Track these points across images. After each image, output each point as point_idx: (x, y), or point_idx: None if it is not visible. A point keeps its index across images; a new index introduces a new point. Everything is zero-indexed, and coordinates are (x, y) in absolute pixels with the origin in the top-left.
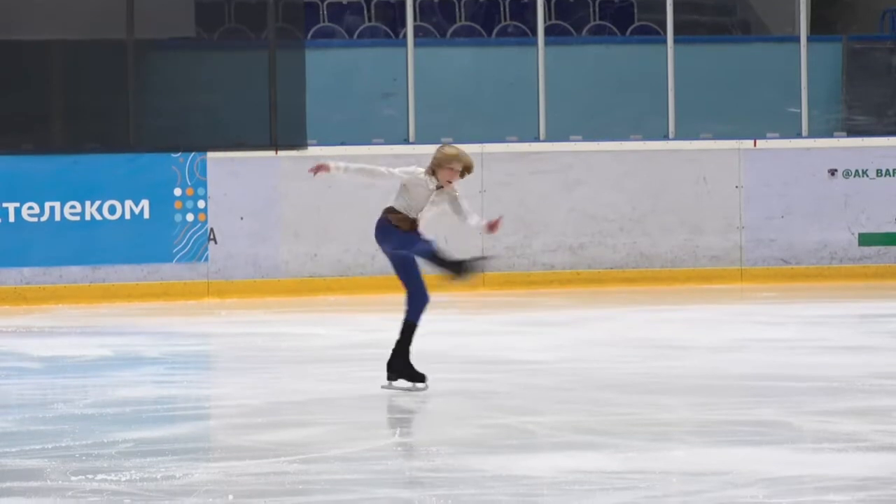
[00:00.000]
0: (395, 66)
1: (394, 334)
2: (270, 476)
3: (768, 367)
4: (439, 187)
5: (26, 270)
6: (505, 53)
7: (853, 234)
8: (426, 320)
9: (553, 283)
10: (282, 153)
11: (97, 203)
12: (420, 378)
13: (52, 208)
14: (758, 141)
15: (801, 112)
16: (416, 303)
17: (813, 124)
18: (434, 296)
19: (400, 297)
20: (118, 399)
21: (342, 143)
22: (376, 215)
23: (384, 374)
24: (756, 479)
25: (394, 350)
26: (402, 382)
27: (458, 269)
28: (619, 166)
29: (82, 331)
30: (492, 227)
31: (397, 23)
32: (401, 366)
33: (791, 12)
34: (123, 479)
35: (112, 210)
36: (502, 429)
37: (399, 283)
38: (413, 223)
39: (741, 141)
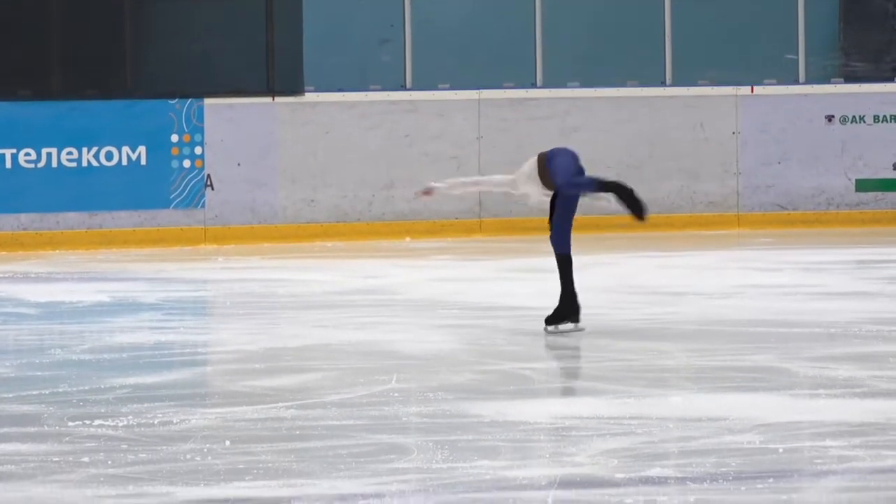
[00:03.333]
0: (393, 12)
1: (391, 280)
2: (267, 422)
3: (765, 314)
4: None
5: (23, 216)
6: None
7: (850, 179)
8: (425, 266)
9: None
10: (279, 99)
11: (94, 149)
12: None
13: (48, 154)
14: (755, 87)
15: (798, 58)
16: None
17: (810, 70)
18: (430, 242)
19: (397, 244)
20: (115, 345)
21: (339, 90)
22: (374, 161)
23: (382, 319)
24: (753, 424)
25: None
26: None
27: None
28: (616, 113)
29: (79, 277)
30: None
31: None
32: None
33: None
34: (120, 424)
35: (109, 156)
36: (499, 375)
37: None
38: None
39: (738, 87)
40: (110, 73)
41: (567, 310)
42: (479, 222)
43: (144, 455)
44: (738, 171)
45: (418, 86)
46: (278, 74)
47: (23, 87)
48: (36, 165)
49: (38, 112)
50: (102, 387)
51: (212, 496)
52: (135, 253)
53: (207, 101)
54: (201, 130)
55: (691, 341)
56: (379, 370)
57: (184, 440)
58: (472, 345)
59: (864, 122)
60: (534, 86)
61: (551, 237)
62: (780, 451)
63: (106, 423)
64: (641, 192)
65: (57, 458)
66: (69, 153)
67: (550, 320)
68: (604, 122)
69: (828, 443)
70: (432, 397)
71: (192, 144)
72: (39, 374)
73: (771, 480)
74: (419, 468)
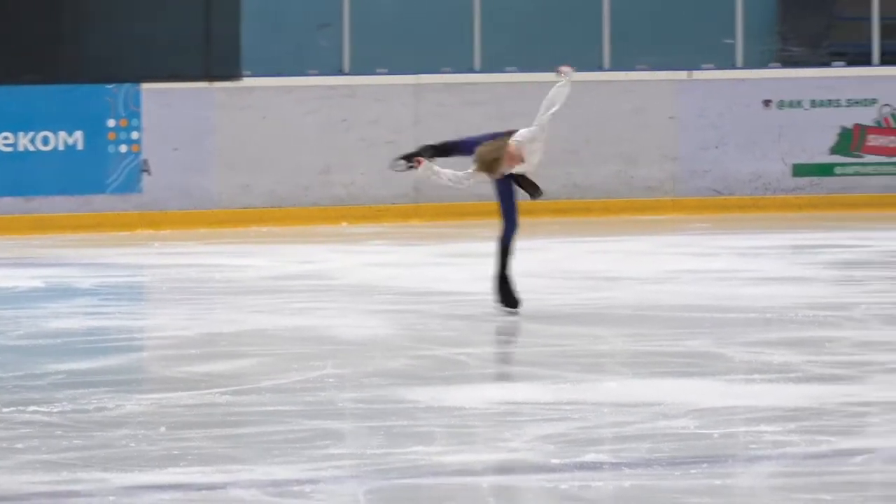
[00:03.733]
0: None
1: (327, 265)
2: (203, 407)
3: (700, 299)
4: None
5: None
6: None
7: (787, 164)
8: (361, 251)
9: (486, 215)
10: (216, 84)
11: (30, 134)
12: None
13: None
14: (692, 72)
15: (735, 43)
16: None
17: (748, 55)
18: (366, 227)
19: (333, 229)
20: (50, 330)
21: (277, 75)
22: (311, 147)
23: (317, 305)
24: (687, 409)
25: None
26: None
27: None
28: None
29: (15, 262)
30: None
31: None
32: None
33: None
34: (55, 410)
35: (45, 141)
36: (434, 360)
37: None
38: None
39: (676, 72)
40: (47, 58)
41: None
42: (416, 207)
43: (79, 441)
44: (676, 155)
45: (356, 70)
46: (215, 59)
47: None
48: None
49: None
50: (37, 373)
51: (146, 482)
52: (71, 238)
53: (144, 86)
54: (138, 115)
55: (627, 326)
56: (314, 356)
57: (119, 426)
58: (407, 330)
59: (802, 106)
60: (471, 70)
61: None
62: (715, 435)
63: (41, 409)
64: (579, 177)
65: None
66: (5, 138)
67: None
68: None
69: (762, 428)
70: (367, 383)
71: (129, 129)
72: None
73: (705, 465)
74: (354, 454)
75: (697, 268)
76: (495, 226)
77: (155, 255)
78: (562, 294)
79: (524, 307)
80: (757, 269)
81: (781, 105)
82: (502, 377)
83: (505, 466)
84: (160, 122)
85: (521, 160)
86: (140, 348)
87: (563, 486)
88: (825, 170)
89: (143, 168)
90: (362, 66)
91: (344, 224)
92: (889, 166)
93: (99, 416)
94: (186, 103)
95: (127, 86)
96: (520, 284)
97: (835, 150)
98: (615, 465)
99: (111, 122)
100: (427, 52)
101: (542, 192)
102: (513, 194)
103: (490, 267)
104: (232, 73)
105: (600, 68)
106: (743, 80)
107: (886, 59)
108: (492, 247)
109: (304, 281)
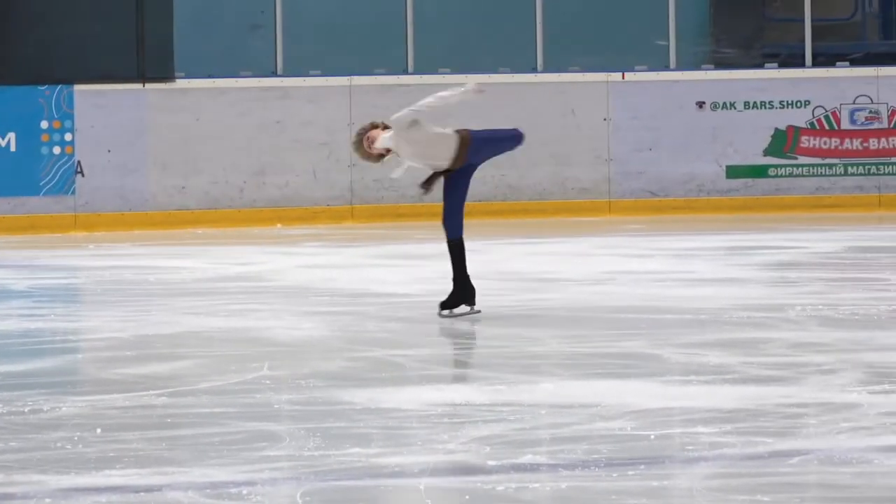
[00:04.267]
0: None
1: (263, 267)
2: (138, 409)
3: (636, 300)
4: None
5: None
6: None
7: (721, 166)
8: (296, 253)
9: (421, 216)
10: (149, 85)
11: None
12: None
13: None
14: (626, 73)
15: (668, 44)
16: None
17: (681, 57)
18: (301, 229)
19: (268, 231)
20: None
21: (210, 76)
22: (245, 148)
23: (253, 306)
24: (624, 411)
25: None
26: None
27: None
28: (487, 99)
29: None
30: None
31: None
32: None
33: None
34: None
35: None
36: (371, 362)
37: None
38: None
39: (609, 73)
40: None
41: (462, 294)
42: (351, 209)
43: (15, 443)
44: (610, 157)
45: (289, 72)
46: (149, 60)
47: None
48: None
49: None
50: None
51: (83, 484)
52: (4, 240)
53: (77, 87)
54: (71, 117)
55: (562, 328)
56: (250, 357)
57: (54, 428)
58: (343, 332)
59: (735, 108)
60: (405, 72)
61: (444, 221)
62: (652, 437)
63: None
64: (513, 178)
65: None
66: None
67: (445, 305)
68: (475, 108)
69: (699, 429)
70: (304, 384)
71: (62, 131)
72: None
73: (642, 467)
74: (291, 455)
75: (633, 269)
76: (432, 227)
77: (89, 257)
78: (498, 296)
79: (459, 309)
80: (692, 271)
81: (715, 107)
82: (439, 379)
83: (442, 468)
84: (93, 123)
85: (377, 146)
86: (75, 350)
87: (500, 488)
88: (759, 171)
89: (77, 170)
90: (295, 68)
91: (279, 226)
92: (822, 168)
93: (34, 419)
94: (120, 105)
95: (60, 87)
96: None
97: (768, 152)
98: (552, 467)
99: (44, 124)
100: (360, 54)
101: (425, 191)
102: (451, 191)
103: (427, 269)
104: (165, 75)
105: (533, 70)
106: (676, 81)
107: (819, 61)
108: (428, 249)
109: (240, 283)
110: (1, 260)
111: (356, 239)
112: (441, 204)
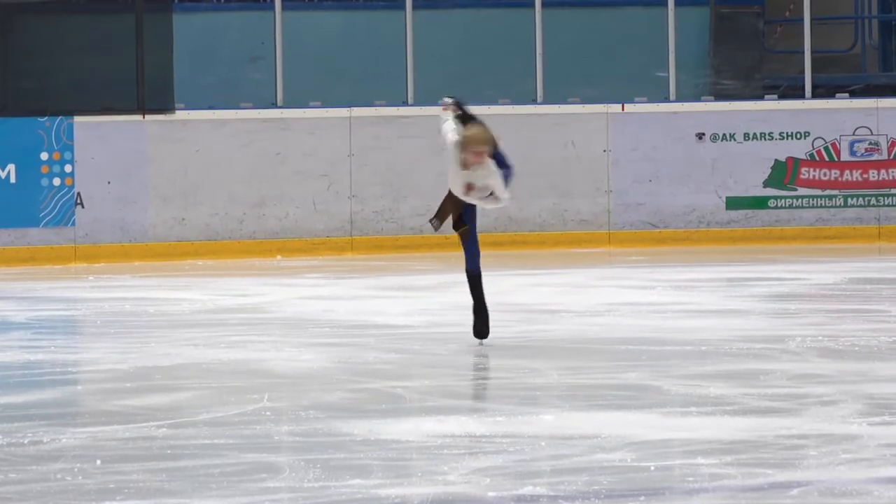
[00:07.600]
0: (263, 30)
1: (263, 298)
2: (139, 441)
3: (636, 331)
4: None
5: None
6: (373, 17)
7: (721, 197)
8: (296, 284)
9: (421, 248)
10: (149, 117)
11: None
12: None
13: None
14: (626, 105)
15: (668, 76)
16: None
17: (681, 88)
18: (301, 260)
19: (268, 262)
20: None
21: (210, 108)
22: (245, 179)
23: (253, 338)
24: (624, 443)
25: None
26: None
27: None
28: None
29: None
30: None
31: None
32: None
33: None
34: None
35: None
36: (371, 393)
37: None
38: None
39: (609, 105)
40: None
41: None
42: (351, 241)
43: (14, 475)
44: (610, 188)
45: (290, 104)
46: (149, 92)
47: None
48: None
49: None
50: None
51: None
52: (4, 271)
53: (77, 119)
54: (71, 148)
55: (563, 359)
56: (251, 389)
57: (54, 460)
58: (343, 363)
59: (735, 139)
60: (405, 103)
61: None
62: (652, 468)
63: None
64: (513, 210)
65: None
66: None
67: (482, 334)
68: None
69: (699, 460)
70: (304, 416)
71: (62, 162)
72: None
73: (643, 498)
74: (291, 487)
75: (633, 301)
76: (432, 259)
77: (89, 289)
78: (498, 327)
79: (460, 340)
80: (692, 302)
81: (715, 138)
82: (439, 410)
83: (442, 500)
84: (93, 155)
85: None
86: (75, 382)
87: None
88: (759, 203)
89: (77, 201)
90: (296, 100)
91: (279, 257)
92: (822, 199)
93: (34, 450)
94: (120, 136)
95: (60, 119)
96: (457, 318)
97: (768, 183)
98: (552, 499)
99: (44, 156)
100: (361, 85)
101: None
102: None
103: (427, 301)
104: (165, 107)
105: (533, 101)
106: (676, 113)
107: (818, 93)
108: (428, 281)
109: (240, 314)
110: (1, 292)
111: (356, 270)
112: (457, 235)
